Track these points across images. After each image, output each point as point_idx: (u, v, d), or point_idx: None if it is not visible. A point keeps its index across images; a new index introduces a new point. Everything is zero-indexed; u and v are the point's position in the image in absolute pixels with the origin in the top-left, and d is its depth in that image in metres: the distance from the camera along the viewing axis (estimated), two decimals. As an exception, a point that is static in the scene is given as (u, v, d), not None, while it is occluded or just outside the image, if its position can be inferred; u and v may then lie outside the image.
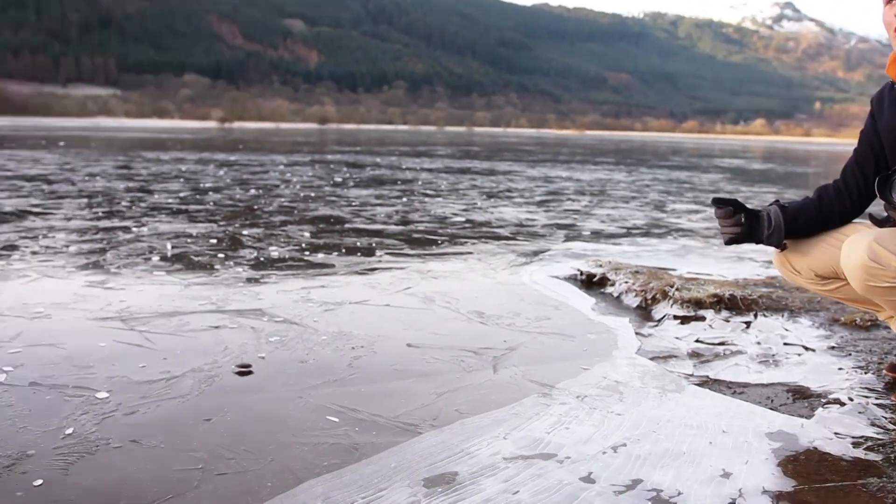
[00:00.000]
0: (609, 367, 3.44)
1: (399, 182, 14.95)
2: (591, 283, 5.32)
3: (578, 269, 5.59)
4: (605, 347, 3.80)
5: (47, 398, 2.97)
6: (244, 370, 3.29)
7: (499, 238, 7.59)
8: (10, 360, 3.40)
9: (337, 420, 2.79)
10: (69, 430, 2.66)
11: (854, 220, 3.12)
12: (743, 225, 3.12)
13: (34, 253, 6.10)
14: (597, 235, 7.99)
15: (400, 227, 8.18)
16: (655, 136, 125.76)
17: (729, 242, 3.18)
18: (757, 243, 3.18)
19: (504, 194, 12.81)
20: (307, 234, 7.48)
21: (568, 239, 7.64)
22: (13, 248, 6.31)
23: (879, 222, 2.88)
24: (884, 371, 3.34)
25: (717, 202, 3.14)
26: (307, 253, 6.43)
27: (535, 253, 6.68)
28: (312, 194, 11.76)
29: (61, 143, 30.61)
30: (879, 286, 2.74)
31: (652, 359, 3.60)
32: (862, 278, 2.76)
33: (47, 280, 5.15)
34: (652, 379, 3.28)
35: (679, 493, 2.21)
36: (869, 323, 4.15)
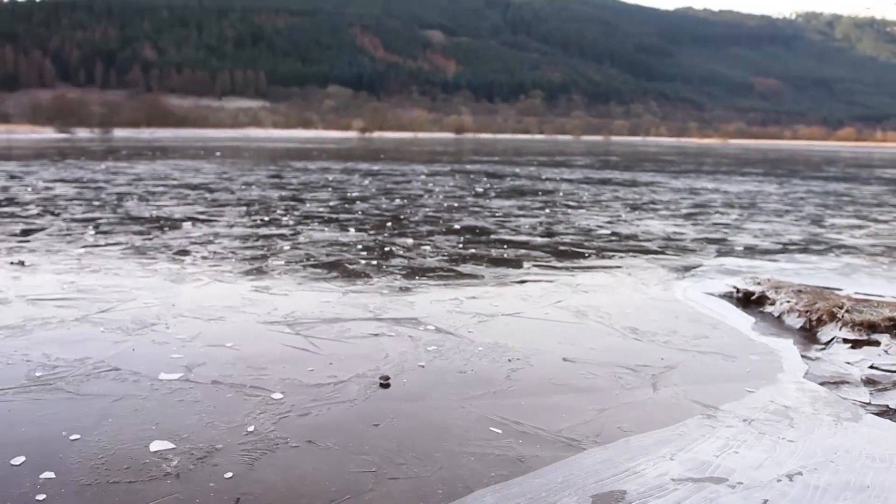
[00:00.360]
0: (776, 391, 3.32)
1: (540, 193, 14.94)
2: (749, 302, 5.13)
3: (734, 287, 5.40)
4: (769, 370, 3.66)
5: (228, 396, 3.20)
6: (385, 382, 3.39)
7: (647, 252, 7.44)
8: (193, 359, 3.68)
9: (500, 431, 2.84)
10: (251, 428, 2.85)
11: None
12: None
13: (204, 258, 6.55)
14: (750, 251, 7.67)
15: (545, 239, 8.18)
16: (806, 144, 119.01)
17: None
18: None
19: (648, 206, 12.53)
20: (454, 245, 7.62)
21: (720, 254, 7.38)
22: (185, 252, 6.81)
23: None
24: None
25: None
26: (456, 263, 6.55)
27: (687, 268, 6.51)
28: (456, 204, 11.95)
29: (218, 153, 32.63)
30: None
31: (822, 384, 3.44)
32: None
33: (218, 284, 5.53)
34: (824, 405, 3.13)
35: (865, 530, 2.11)
36: None
